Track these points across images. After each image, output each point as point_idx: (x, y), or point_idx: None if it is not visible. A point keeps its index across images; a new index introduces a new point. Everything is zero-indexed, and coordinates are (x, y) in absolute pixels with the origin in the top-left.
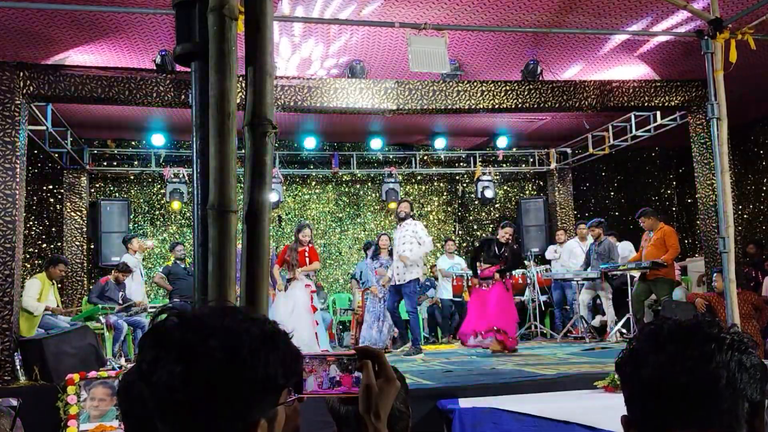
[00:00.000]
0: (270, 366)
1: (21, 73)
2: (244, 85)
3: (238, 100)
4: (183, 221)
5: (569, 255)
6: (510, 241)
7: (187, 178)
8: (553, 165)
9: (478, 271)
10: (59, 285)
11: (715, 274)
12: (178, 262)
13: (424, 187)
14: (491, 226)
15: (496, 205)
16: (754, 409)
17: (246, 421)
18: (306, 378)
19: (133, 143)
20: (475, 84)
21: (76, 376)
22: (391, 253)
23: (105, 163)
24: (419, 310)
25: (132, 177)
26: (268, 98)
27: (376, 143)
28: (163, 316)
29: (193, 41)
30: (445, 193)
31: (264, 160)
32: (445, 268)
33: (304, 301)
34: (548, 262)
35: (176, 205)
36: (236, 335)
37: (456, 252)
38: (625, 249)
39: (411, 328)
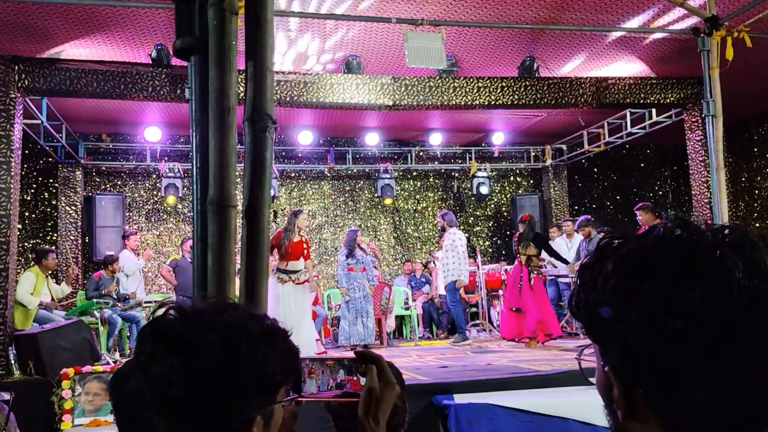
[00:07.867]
0: (268, 363)
1: (16, 67)
2: (244, 80)
3: (239, 96)
4: (178, 216)
5: None
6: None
7: (182, 172)
8: (548, 161)
9: None
10: (54, 279)
11: None
12: (186, 256)
13: (419, 183)
14: (486, 222)
15: (491, 202)
16: None
17: (242, 417)
18: (305, 381)
19: (128, 137)
20: (471, 80)
21: (70, 371)
22: (363, 250)
23: (100, 158)
24: (414, 306)
25: (127, 171)
26: (268, 93)
27: (371, 139)
28: (163, 310)
29: (193, 36)
30: (440, 189)
31: (264, 155)
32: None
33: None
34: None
35: (171, 200)
36: (235, 331)
37: None
38: None
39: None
